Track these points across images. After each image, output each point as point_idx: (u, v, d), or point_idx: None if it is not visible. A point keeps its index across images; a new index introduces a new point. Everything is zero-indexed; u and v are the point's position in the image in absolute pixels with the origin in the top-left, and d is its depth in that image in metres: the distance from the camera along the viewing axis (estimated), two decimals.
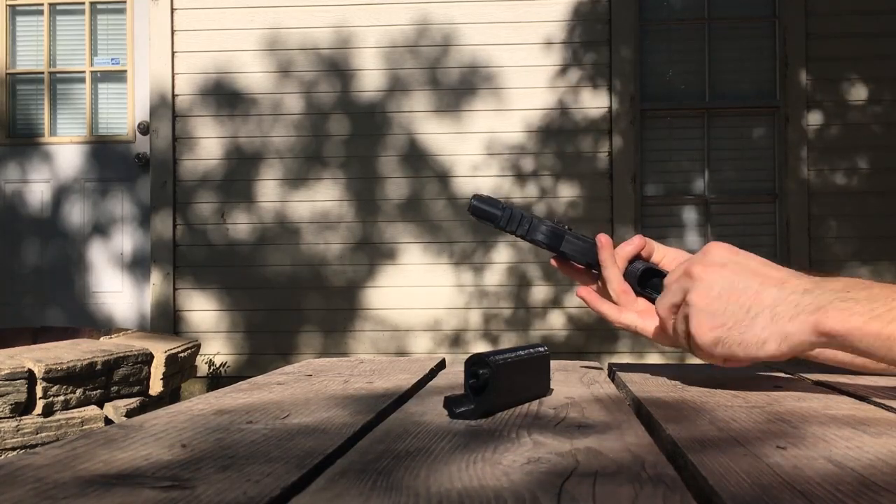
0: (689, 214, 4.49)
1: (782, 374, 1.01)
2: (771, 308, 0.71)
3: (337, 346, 4.48)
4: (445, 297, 4.44)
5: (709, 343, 0.75)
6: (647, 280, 0.93)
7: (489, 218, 0.99)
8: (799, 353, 0.72)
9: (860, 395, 0.79)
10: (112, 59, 4.77)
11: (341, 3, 4.50)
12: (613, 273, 0.93)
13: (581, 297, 0.94)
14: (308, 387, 0.90)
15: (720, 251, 0.77)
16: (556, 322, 4.41)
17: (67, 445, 0.56)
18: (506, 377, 0.69)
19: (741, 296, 0.73)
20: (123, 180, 4.69)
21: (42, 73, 4.76)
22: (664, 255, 0.95)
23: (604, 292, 0.95)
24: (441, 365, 1.19)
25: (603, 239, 0.93)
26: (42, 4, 4.76)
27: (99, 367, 2.70)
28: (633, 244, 0.94)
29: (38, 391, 2.50)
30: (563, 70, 4.44)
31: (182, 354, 3.20)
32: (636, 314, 0.92)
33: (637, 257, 0.94)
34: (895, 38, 4.38)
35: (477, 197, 1.00)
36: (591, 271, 0.98)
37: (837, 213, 4.38)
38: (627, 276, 0.94)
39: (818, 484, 0.44)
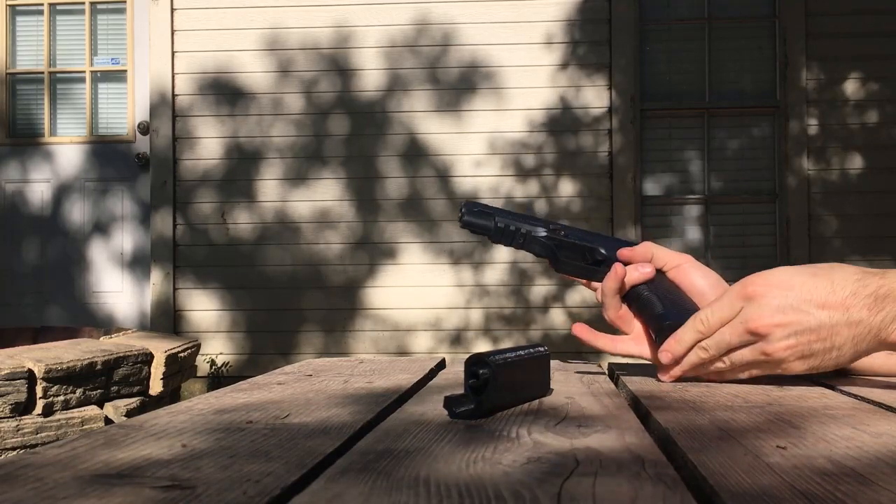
0: (689, 214, 4.49)
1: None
2: (852, 338, 0.76)
3: (337, 346, 4.48)
4: (446, 296, 4.44)
5: (801, 371, 0.81)
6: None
7: (482, 232, 0.96)
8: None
9: (860, 395, 0.79)
10: (112, 59, 4.77)
11: (341, 3, 4.50)
12: (612, 303, 0.91)
13: (577, 335, 0.92)
14: (308, 386, 0.90)
15: (772, 291, 0.78)
16: (556, 320, 4.41)
17: (67, 445, 0.56)
18: (506, 377, 0.69)
19: (820, 334, 0.77)
20: (123, 180, 4.69)
21: (42, 72, 4.76)
22: (665, 262, 0.94)
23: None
24: (441, 365, 1.19)
25: (619, 269, 0.90)
26: (42, 4, 4.76)
27: (99, 366, 2.70)
28: (639, 272, 0.91)
29: (38, 391, 2.50)
30: (564, 69, 4.44)
31: (182, 354, 3.20)
32: (632, 341, 0.92)
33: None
34: (895, 38, 4.38)
35: (468, 208, 0.96)
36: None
37: (837, 213, 4.38)
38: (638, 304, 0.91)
39: (818, 484, 0.44)
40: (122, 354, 2.82)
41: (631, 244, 0.95)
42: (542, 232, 0.95)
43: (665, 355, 0.86)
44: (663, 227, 4.49)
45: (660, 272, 0.93)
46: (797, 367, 0.79)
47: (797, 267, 0.80)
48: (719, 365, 0.84)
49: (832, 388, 0.86)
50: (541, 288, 4.41)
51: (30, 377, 2.49)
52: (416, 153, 4.49)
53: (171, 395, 3.16)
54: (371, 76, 4.51)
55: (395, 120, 4.50)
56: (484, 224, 0.96)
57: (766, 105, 4.46)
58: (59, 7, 4.80)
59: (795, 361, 0.79)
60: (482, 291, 4.44)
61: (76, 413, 2.61)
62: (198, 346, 3.52)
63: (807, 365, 0.79)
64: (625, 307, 0.92)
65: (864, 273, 0.76)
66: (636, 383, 0.90)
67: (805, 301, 0.76)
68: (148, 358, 2.97)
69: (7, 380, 2.43)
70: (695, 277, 0.91)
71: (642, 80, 4.48)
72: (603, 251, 0.95)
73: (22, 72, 4.80)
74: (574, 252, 0.96)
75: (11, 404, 2.43)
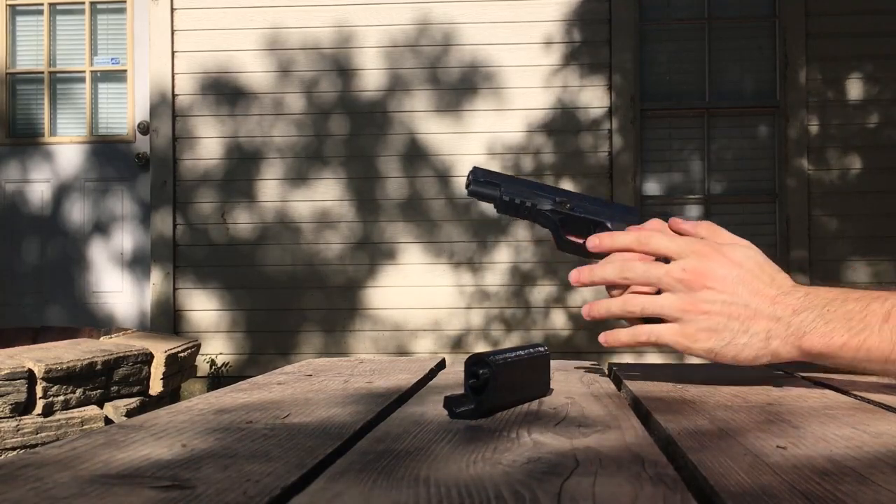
0: (689, 214, 4.49)
1: (782, 374, 1.01)
2: (766, 331, 0.78)
3: (337, 346, 4.48)
4: (446, 296, 4.44)
5: (702, 351, 0.80)
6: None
7: (488, 201, 0.96)
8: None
9: (860, 394, 0.79)
10: (112, 59, 4.77)
11: (341, 3, 4.50)
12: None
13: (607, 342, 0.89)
14: (308, 386, 0.90)
15: (721, 260, 0.80)
16: (557, 322, 4.41)
17: (67, 445, 0.56)
18: (506, 377, 0.69)
19: (741, 312, 0.78)
20: (124, 180, 4.69)
21: (42, 72, 4.76)
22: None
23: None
24: (441, 365, 1.19)
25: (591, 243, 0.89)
26: (42, 4, 4.76)
27: (99, 366, 2.70)
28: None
29: (38, 391, 2.50)
30: (564, 69, 4.44)
31: (182, 354, 3.20)
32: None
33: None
34: (895, 38, 4.38)
35: (475, 176, 0.95)
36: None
37: (837, 213, 4.38)
38: None
39: (818, 484, 0.44)
40: (122, 354, 2.82)
41: (636, 217, 0.93)
42: (547, 205, 0.94)
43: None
44: None
45: None
46: (702, 339, 0.79)
47: (753, 250, 0.82)
48: (631, 300, 0.83)
49: (832, 388, 0.86)
50: (542, 289, 4.41)
51: (30, 377, 2.49)
52: (416, 153, 4.49)
53: (171, 395, 3.16)
54: (371, 76, 4.51)
55: (396, 120, 4.50)
56: (490, 194, 0.95)
57: (766, 105, 4.46)
58: (59, 7, 4.80)
59: (704, 332, 0.79)
60: (483, 292, 4.44)
61: (76, 413, 2.61)
62: (198, 346, 3.52)
63: (711, 342, 0.79)
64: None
65: (797, 284, 0.80)
66: (636, 383, 0.90)
67: (743, 282, 0.79)
68: (148, 358, 2.97)
69: (7, 380, 2.43)
70: None
71: (642, 81, 4.48)
72: (609, 226, 0.93)
73: (22, 72, 4.80)
74: (579, 225, 0.95)
75: (11, 404, 2.43)
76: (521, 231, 4.40)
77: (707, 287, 0.79)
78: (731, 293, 0.78)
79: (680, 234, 0.86)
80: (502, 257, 4.43)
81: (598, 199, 0.97)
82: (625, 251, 0.85)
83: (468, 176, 0.96)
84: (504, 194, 0.95)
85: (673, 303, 0.80)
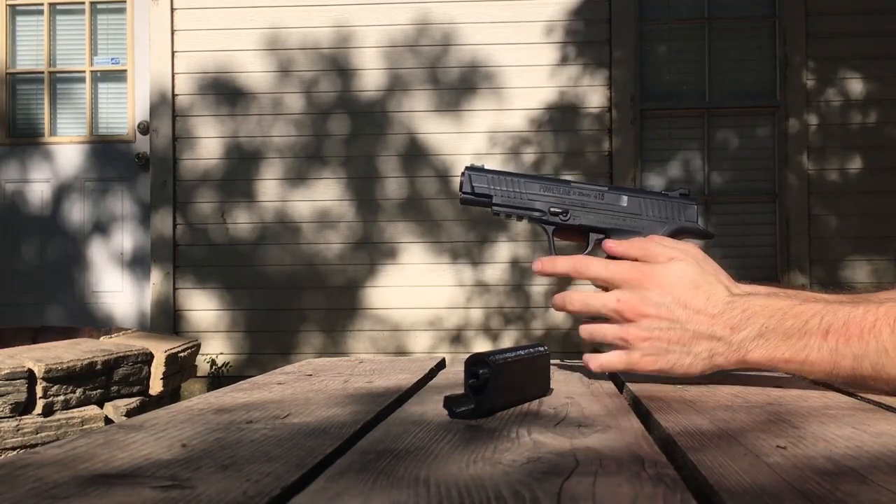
0: None
1: (782, 374, 1.01)
2: (708, 350, 0.80)
3: (337, 346, 4.48)
4: (445, 295, 4.44)
5: (650, 372, 0.83)
6: None
7: (481, 204, 0.95)
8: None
9: (860, 395, 0.79)
10: (112, 59, 4.77)
11: (341, 3, 4.50)
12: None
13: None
14: (308, 386, 0.90)
15: (654, 287, 0.82)
16: (557, 319, 4.41)
17: (67, 445, 0.56)
18: (506, 377, 0.69)
19: (681, 336, 0.80)
20: (123, 180, 4.69)
21: (42, 72, 4.76)
22: None
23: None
24: (441, 365, 1.19)
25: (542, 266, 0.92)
26: (42, 4, 4.76)
27: (99, 366, 2.70)
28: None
29: (38, 391, 2.50)
30: (564, 69, 4.44)
31: (182, 354, 3.20)
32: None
33: None
34: (895, 38, 4.38)
35: (468, 181, 0.94)
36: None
37: (837, 213, 4.38)
38: None
39: (818, 484, 0.44)
40: (122, 354, 2.82)
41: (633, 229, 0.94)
42: (540, 214, 0.94)
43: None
44: None
45: None
46: (647, 363, 0.82)
47: (686, 266, 0.82)
48: (582, 329, 0.87)
49: (832, 388, 0.86)
50: (541, 287, 4.41)
51: (30, 377, 2.49)
52: (415, 153, 4.49)
53: (171, 395, 3.16)
54: (371, 76, 4.51)
55: (395, 120, 4.50)
56: (482, 202, 0.95)
57: (766, 105, 4.46)
58: (59, 7, 4.80)
59: (648, 357, 0.81)
60: (482, 290, 4.44)
61: (76, 413, 2.61)
62: (198, 346, 3.52)
63: (657, 365, 0.81)
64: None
65: (733, 297, 0.80)
66: (636, 383, 0.90)
67: (680, 305, 0.80)
68: (148, 358, 2.96)
69: (7, 380, 2.43)
70: None
71: (642, 80, 4.48)
72: (608, 235, 0.93)
73: (22, 72, 4.80)
74: (574, 234, 0.95)
75: (11, 404, 2.43)
76: (521, 229, 4.40)
77: (644, 316, 0.81)
78: (668, 319, 0.80)
79: (615, 257, 0.87)
80: (502, 255, 4.43)
81: (616, 194, 0.94)
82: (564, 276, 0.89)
83: (461, 179, 0.96)
84: (496, 205, 0.94)
85: (615, 332, 0.83)
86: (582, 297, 0.86)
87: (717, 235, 4.47)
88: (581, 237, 0.96)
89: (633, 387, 0.86)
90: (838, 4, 4.38)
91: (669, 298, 0.80)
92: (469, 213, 4.41)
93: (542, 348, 0.77)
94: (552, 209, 0.94)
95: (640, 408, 0.74)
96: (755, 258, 4.43)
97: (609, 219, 0.94)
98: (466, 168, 0.97)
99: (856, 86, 4.40)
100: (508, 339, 4.42)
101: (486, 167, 0.97)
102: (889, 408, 0.71)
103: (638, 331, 0.81)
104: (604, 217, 0.94)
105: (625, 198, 0.94)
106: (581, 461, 0.50)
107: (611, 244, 0.89)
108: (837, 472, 0.47)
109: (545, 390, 0.80)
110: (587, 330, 0.86)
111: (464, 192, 0.96)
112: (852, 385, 0.77)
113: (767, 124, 4.48)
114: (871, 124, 4.39)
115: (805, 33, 4.39)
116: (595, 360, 0.85)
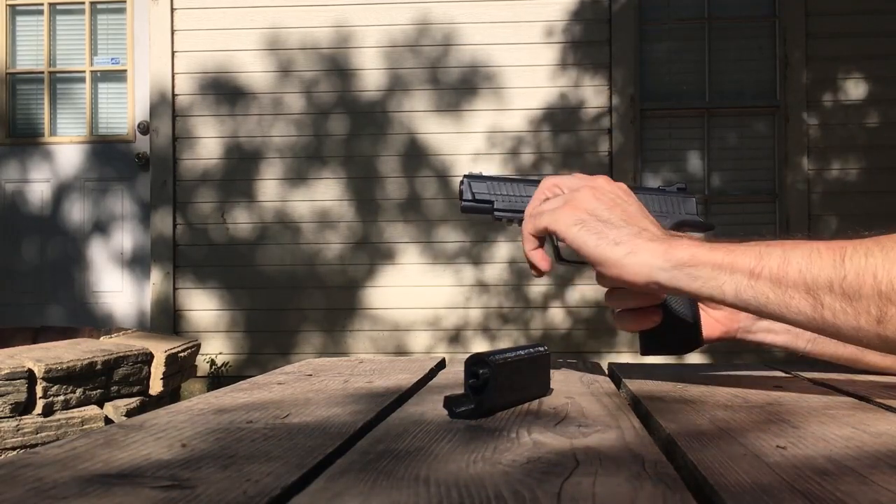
0: None
1: (782, 374, 1.01)
2: (637, 227, 0.76)
3: (337, 346, 4.48)
4: (445, 295, 4.44)
5: (569, 222, 0.78)
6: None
7: (482, 211, 0.96)
8: (641, 280, 0.75)
9: (860, 394, 0.79)
10: (112, 59, 4.77)
11: (341, 3, 4.49)
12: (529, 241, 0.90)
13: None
14: (308, 386, 0.90)
15: (604, 182, 0.81)
16: (556, 319, 4.41)
17: (67, 445, 0.56)
18: (506, 377, 0.69)
19: (614, 209, 0.78)
20: (123, 179, 4.69)
21: (42, 72, 4.76)
22: None
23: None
24: (441, 364, 1.19)
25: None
26: (42, 4, 4.76)
27: (99, 366, 2.70)
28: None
29: (38, 391, 2.50)
30: (564, 69, 4.44)
31: (182, 354, 3.20)
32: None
33: None
34: (895, 38, 4.38)
35: (467, 191, 0.94)
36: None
37: (837, 213, 4.39)
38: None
39: (818, 484, 0.44)
40: (122, 354, 2.82)
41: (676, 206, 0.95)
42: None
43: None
44: None
45: None
46: (569, 209, 0.78)
47: (604, 185, 0.81)
48: (528, 221, 0.85)
49: (832, 388, 0.86)
50: (540, 287, 4.41)
51: (30, 377, 2.49)
52: (415, 153, 4.49)
53: (171, 395, 3.16)
54: (371, 76, 4.51)
55: (395, 120, 4.50)
56: (483, 209, 0.95)
57: (766, 105, 4.46)
58: (59, 7, 4.80)
59: (582, 222, 0.77)
60: (481, 290, 4.44)
61: (76, 413, 2.61)
62: (198, 346, 3.52)
63: (577, 215, 0.77)
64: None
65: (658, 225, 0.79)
66: (636, 383, 0.90)
67: (616, 204, 0.79)
68: (148, 358, 2.96)
69: (7, 380, 2.43)
70: None
71: (642, 80, 4.48)
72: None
73: (22, 72, 4.80)
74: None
75: (11, 404, 2.43)
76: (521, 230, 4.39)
77: (584, 191, 0.79)
78: (606, 204, 0.78)
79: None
80: (501, 255, 4.43)
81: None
82: (532, 248, 0.86)
83: (460, 187, 0.96)
84: (497, 210, 0.94)
85: (555, 203, 0.81)
86: (531, 213, 0.84)
87: (716, 236, 4.46)
88: None
89: (632, 386, 0.86)
90: (838, 4, 4.38)
91: (607, 198, 0.79)
92: (468, 214, 4.40)
93: (541, 348, 0.77)
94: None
95: (640, 408, 0.74)
96: None
97: None
98: (465, 176, 0.97)
99: (856, 86, 4.40)
100: (507, 339, 4.42)
101: (484, 173, 0.97)
102: (889, 408, 0.71)
103: (575, 201, 0.79)
104: None
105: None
106: (581, 461, 0.50)
107: (549, 179, 0.88)
108: (837, 472, 0.47)
109: (545, 390, 0.80)
110: (530, 218, 0.84)
111: (464, 200, 0.96)
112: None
113: (767, 124, 4.48)
114: (871, 124, 4.39)
115: (805, 33, 4.39)
116: (531, 221, 0.84)
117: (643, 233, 0.76)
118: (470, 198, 0.95)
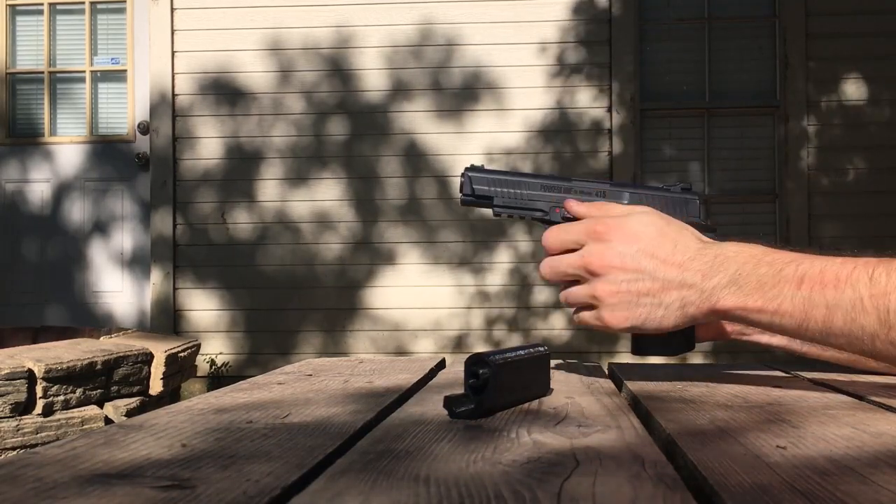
0: None
1: (782, 374, 1.01)
2: (680, 300, 0.77)
3: (337, 346, 4.48)
4: (445, 297, 4.44)
5: (623, 329, 0.80)
6: None
7: (482, 205, 0.95)
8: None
9: (860, 394, 0.79)
10: (112, 59, 4.77)
11: (342, 3, 4.49)
12: None
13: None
14: (308, 386, 0.90)
15: (618, 237, 0.79)
16: (557, 323, 4.41)
17: (67, 445, 0.56)
18: (506, 377, 0.69)
19: (650, 287, 0.77)
20: (123, 179, 4.69)
21: (42, 72, 4.76)
22: None
23: None
24: (441, 364, 1.19)
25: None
26: (42, 4, 4.76)
27: (99, 366, 2.70)
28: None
29: (38, 391, 2.50)
30: (564, 70, 4.44)
31: (182, 354, 3.20)
32: None
33: None
34: (895, 38, 4.37)
35: (468, 185, 0.94)
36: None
37: (837, 213, 4.38)
38: None
39: (818, 484, 0.44)
40: (122, 354, 2.82)
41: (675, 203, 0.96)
42: (541, 215, 0.93)
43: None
44: None
45: None
46: (620, 318, 0.79)
47: (651, 216, 0.80)
48: (562, 295, 0.85)
49: (832, 388, 0.86)
50: (542, 291, 4.41)
51: (30, 377, 2.49)
52: (416, 154, 4.49)
53: (171, 395, 3.16)
54: (371, 77, 4.51)
55: (395, 121, 4.50)
56: (483, 203, 0.95)
57: (766, 105, 4.46)
58: (59, 7, 4.80)
59: (620, 312, 0.78)
60: (482, 294, 4.44)
61: (76, 413, 2.61)
62: (198, 346, 3.52)
63: (630, 320, 0.78)
64: None
65: (703, 243, 0.78)
66: (636, 383, 0.90)
67: (647, 255, 0.77)
68: (148, 358, 2.96)
69: (7, 380, 2.43)
70: None
71: (642, 80, 4.48)
72: None
73: (22, 72, 4.80)
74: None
75: (11, 404, 2.43)
76: (521, 232, 4.40)
77: (609, 268, 0.78)
78: (634, 270, 0.77)
79: (576, 217, 0.86)
80: (502, 258, 4.43)
81: (618, 191, 0.94)
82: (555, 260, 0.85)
83: (461, 180, 0.95)
84: (496, 206, 0.94)
85: (584, 291, 0.81)
86: (549, 261, 0.83)
87: (716, 236, 4.45)
88: None
89: (632, 387, 0.86)
90: (838, 4, 4.38)
91: (635, 248, 0.77)
92: (469, 215, 4.41)
93: (542, 348, 0.77)
94: (554, 208, 0.94)
95: (640, 408, 0.74)
96: None
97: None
98: (466, 169, 0.96)
99: (856, 86, 4.40)
100: (507, 341, 4.42)
101: (486, 167, 0.96)
102: (889, 408, 0.71)
103: (605, 285, 0.78)
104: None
105: (627, 194, 0.94)
106: (581, 461, 0.50)
107: (571, 203, 0.88)
108: (837, 472, 0.47)
109: (545, 390, 0.80)
110: (563, 295, 0.84)
111: (464, 194, 0.95)
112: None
113: (767, 124, 4.48)
114: (872, 124, 4.39)
115: (805, 33, 4.39)
116: (576, 318, 0.84)
117: (685, 307, 0.77)
118: (470, 192, 0.95)
